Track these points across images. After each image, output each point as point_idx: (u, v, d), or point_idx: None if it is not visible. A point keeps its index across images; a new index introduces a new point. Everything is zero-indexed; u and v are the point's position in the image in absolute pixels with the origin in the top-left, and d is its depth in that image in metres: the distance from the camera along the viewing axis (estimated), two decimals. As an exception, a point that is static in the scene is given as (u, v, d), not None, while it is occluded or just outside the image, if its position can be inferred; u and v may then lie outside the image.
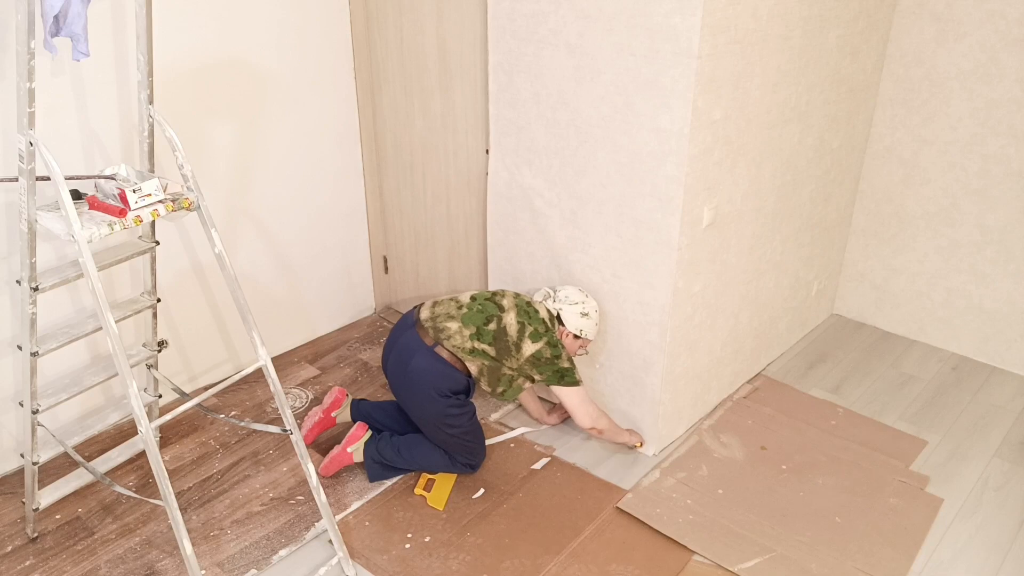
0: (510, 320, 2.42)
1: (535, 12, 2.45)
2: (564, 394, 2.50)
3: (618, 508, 2.49)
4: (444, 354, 2.38)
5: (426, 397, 2.40)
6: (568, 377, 2.47)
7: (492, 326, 2.40)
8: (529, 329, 2.42)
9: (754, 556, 2.32)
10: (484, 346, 2.38)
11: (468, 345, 2.37)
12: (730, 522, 2.44)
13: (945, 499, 2.56)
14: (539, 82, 2.54)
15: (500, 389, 2.45)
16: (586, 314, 2.54)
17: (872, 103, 3.26)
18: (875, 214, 3.44)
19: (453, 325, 2.40)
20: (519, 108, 2.64)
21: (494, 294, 2.52)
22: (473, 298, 2.49)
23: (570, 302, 2.54)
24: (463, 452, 2.53)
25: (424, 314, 2.47)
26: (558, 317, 2.53)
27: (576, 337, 2.54)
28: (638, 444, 2.72)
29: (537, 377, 2.46)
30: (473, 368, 2.40)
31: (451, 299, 2.50)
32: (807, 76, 2.70)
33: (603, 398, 2.82)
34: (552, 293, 2.58)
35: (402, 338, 2.46)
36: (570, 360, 2.48)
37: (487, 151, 2.84)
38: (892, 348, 3.43)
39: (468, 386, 2.43)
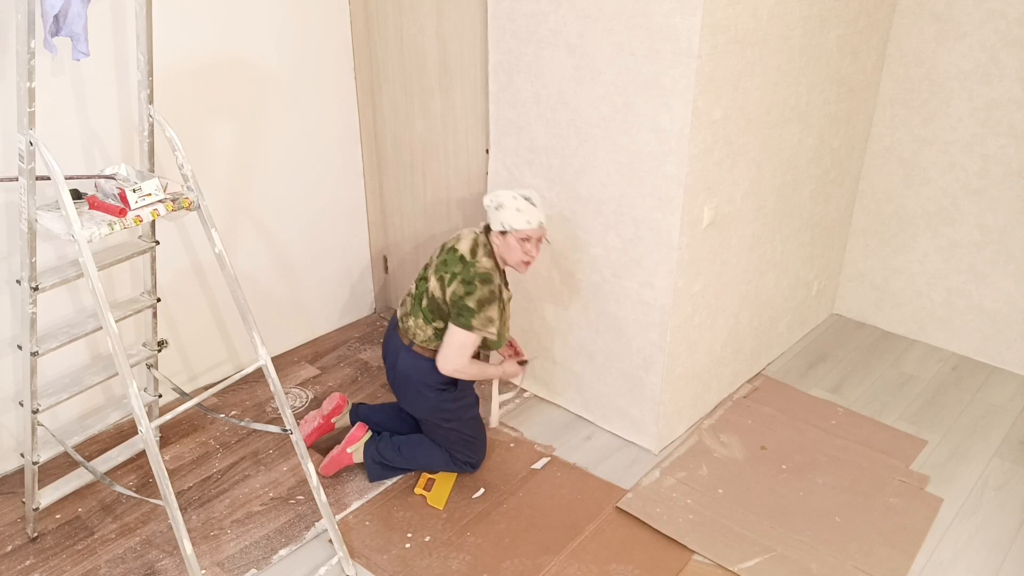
0: (433, 285, 2.40)
1: (535, 12, 2.45)
2: (450, 332, 2.34)
3: (618, 508, 2.49)
4: (420, 350, 2.42)
5: (418, 395, 2.43)
6: (463, 317, 2.30)
7: (425, 301, 2.40)
8: (447, 278, 2.36)
9: (754, 556, 2.32)
10: (434, 324, 2.39)
11: (428, 333, 2.40)
12: (730, 522, 2.44)
13: (945, 499, 2.56)
14: (539, 82, 2.54)
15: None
16: (501, 205, 2.32)
17: (872, 103, 3.25)
18: (875, 214, 3.44)
19: (412, 322, 2.43)
20: (519, 108, 2.64)
21: (426, 267, 2.47)
22: (416, 285, 2.48)
23: (495, 206, 2.35)
24: (464, 449, 2.54)
25: (398, 313, 2.52)
26: (498, 230, 2.36)
27: (503, 234, 2.34)
28: (518, 375, 2.56)
29: (451, 316, 2.35)
30: None
31: (408, 293, 2.52)
32: (807, 76, 2.70)
33: (603, 398, 2.82)
34: (490, 207, 2.39)
35: (390, 342, 2.52)
36: (479, 304, 2.29)
37: (487, 151, 2.84)
38: (892, 348, 3.43)
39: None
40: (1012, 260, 3.12)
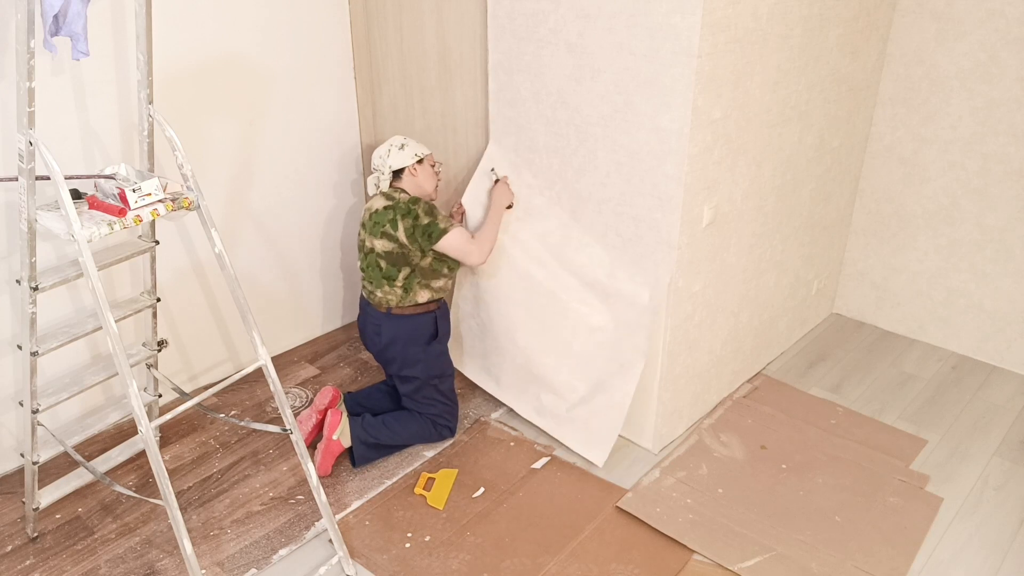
0: (380, 244, 2.53)
1: (535, 11, 2.45)
2: (444, 247, 2.52)
3: (618, 507, 2.50)
4: (399, 312, 2.59)
5: (408, 355, 2.61)
6: (433, 231, 2.49)
7: (383, 265, 2.54)
8: (389, 227, 2.51)
9: (754, 555, 2.32)
10: (401, 280, 2.53)
11: (399, 292, 2.56)
12: (730, 521, 2.44)
13: (945, 498, 2.56)
14: (539, 81, 2.54)
15: (442, 268, 2.59)
16: (404, 145, 2.61)
17: (872, 102, 3.25)
18: (875, 213, 3.44)
19: (380, 293, 2.58)
20: (519, 107, 2.64)
21: (360, 247, 2.62)
22: (361, 263, 2.62)
23: (398, 147, 2.60)
24: (446, 414, 2.73)
25: (364, 293, 2.67)
26: (414, 163, 2.60)
27: (419, 162, 2.61)
28: (510, 195, 2.71)
29: (423, 245, 2.52)
30: (424, 293, 2.57)
31: (361, 275, 2.65)
32: (807, 75, 2.70)
33: (603, 397, 2.82)
34: (377, 170, 2.63)
35: (368, 319, 2.66)
36: (429, 213, 2.50)
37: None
38: (892, 347, 3.43)
39: (435, 324, 2.63)
40: (1012, 259, 3.12)
